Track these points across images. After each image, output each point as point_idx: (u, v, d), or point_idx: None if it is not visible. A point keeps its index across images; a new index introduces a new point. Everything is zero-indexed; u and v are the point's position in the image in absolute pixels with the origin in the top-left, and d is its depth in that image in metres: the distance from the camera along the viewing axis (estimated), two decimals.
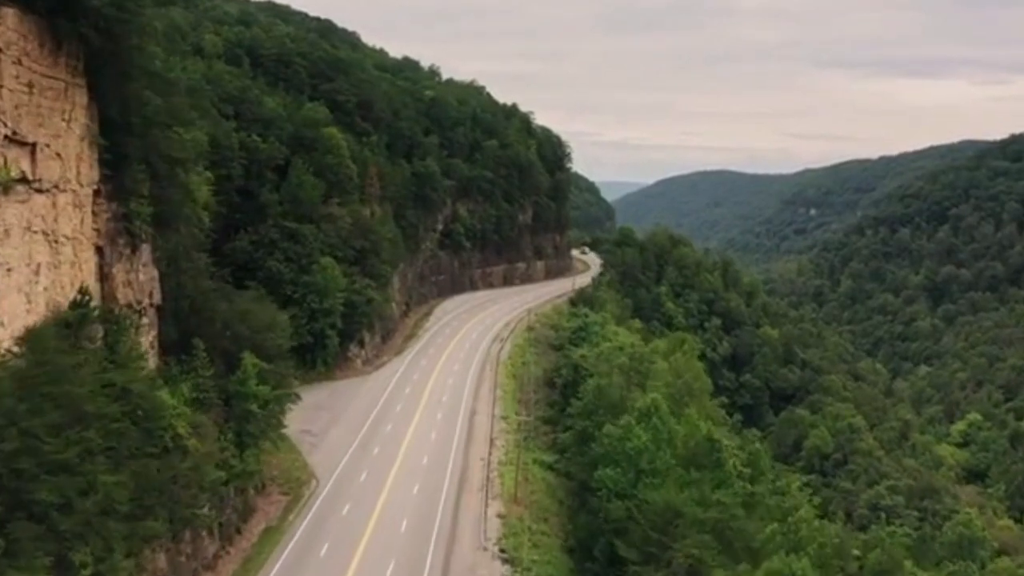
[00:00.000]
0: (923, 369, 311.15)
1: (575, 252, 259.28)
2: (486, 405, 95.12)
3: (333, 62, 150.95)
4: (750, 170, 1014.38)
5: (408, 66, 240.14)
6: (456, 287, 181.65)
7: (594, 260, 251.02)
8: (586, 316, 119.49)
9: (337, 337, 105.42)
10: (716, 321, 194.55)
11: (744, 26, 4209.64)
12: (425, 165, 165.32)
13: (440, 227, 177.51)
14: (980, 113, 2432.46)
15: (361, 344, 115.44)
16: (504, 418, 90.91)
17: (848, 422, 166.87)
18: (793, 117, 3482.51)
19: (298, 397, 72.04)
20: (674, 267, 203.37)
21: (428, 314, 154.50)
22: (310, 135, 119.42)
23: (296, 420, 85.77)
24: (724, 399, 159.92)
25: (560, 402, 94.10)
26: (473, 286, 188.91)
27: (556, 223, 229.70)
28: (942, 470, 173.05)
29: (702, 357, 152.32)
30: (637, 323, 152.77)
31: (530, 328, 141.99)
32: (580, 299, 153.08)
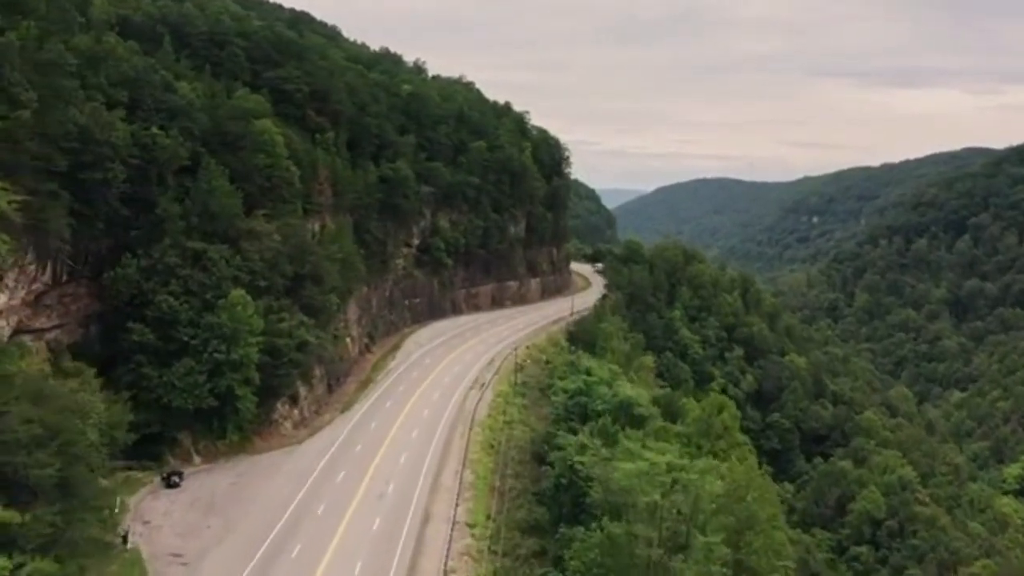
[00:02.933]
0: (955, 395, 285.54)
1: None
2: (446, 502, 67.57)
3: (280, 44, 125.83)
4: (749, 178, 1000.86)
5: (387, 59, 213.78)
6: (435, 312, 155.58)
7: (590, 272, 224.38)
8: (588, 373, 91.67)
9: (254, 395, 78.69)
10: (738, 351, 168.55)
11: (741, 37, 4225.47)
12: (395, 168, 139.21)
13: (416, 242, 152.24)
14: (976, 121, 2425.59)
15: (294, 400, 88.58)
16: (471, 527, 63.37)
17: (898, 475, 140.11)
18: (790, 125, 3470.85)
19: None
20: (688, 287, 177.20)
21: (396, 348, 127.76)
22: (235, 130, 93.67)
23: (168, 533, 59.39)
24: (749, 446, 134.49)
25: (551, 503, 66.77)
26: (456, 310, 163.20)
27: (553, 235, 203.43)
28: (1009, 532, 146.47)
29: (723, 393, 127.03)
30: (650, 360, 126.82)
31: (519, 367, 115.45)
32: (579, 333, 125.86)
